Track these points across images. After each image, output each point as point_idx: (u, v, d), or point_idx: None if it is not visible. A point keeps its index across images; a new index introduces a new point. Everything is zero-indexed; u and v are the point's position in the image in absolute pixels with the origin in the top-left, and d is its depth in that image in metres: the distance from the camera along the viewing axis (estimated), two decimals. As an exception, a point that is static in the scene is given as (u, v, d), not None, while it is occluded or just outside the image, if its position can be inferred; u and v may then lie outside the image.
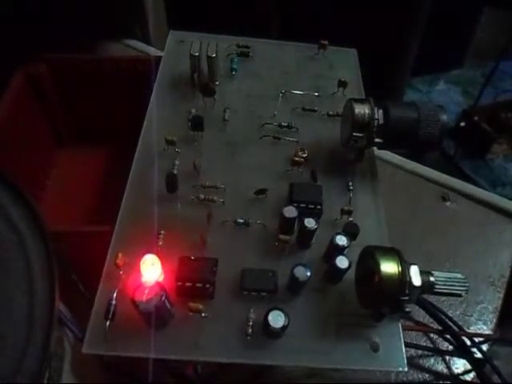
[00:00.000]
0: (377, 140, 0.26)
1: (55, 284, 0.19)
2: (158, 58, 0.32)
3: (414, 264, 0.21)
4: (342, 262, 0.22)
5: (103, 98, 0.34)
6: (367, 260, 0.21)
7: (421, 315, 0.31)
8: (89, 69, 0.34)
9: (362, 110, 0.25)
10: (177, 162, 0.26)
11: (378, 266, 0.20)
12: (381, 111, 0.26)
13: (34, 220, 0.20)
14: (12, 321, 0.17)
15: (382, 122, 0.26)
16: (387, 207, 0.27)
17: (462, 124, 1.04)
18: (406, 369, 0.21)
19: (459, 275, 0.22)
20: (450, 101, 1.09)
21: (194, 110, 0.29)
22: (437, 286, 0.21)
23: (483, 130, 1.00)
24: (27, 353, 0.17)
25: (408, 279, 0.20)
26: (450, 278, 0.21)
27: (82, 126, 0.37)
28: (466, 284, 0.21)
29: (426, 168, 0.39)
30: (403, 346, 0.22)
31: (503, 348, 0.31)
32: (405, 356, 0.21)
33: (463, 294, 0.21)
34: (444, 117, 0.25)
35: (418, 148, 0.26)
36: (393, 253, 0.21)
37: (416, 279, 0.20)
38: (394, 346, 0.22)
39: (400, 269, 0.20)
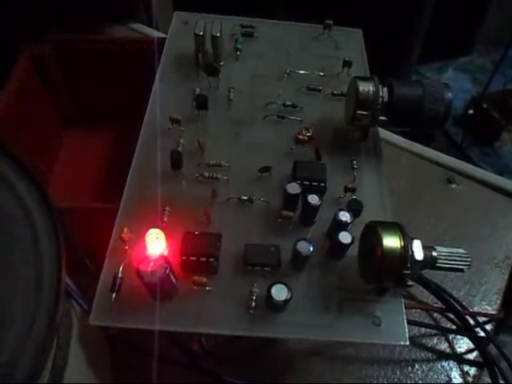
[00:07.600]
0: (381, 118, 0.26)
1: (62, 256, 0.19)
2: (163, 40, 0.32)
3: (417, 238, 0.21)
4: (344, 237, 0.22)
5: (108, 78, 0.34)
6: (370, 235, 0.21)
7: (424, 296, 0.31)
8: (94, 50, 0.34)
9: (366, 87, 0.25)
10: (181, 141, 0.26)
11: (380, 239, 0.20)
12: (385, 89, 0.26)
13: (40, 194, 0.20)
14: (20, 291, 0.18)
15: (386, 99, 0.25)
16: (392, 189, 0.27)
17: (471, 111, 1.03)
18: (408, 343, 0.21)
19: (461, 250, 0.22)
20: (459, 88, 1.08)
21: (198, 90, 0.29)
22: (439, 261, 0.21)
23: (492, 118, 0.99)
24: (35, 322, 0.17)
25: (410, 253, 0.20)
26: (452, 252, 0.21)
27: (88, 107, 0.37)
28: (469, 259, 0.21)
29: (431, 150, 0.39)
30: (405, 321, 0.22)
31: (510, 336, 0.31)
32: (407, 330, 0.21)
33: (465, 269, 0.21)
34: (449, 94, 0.25)
35: (422, 126, 0.26)
36: (395, 227, 0.21)
37: (418, 253, 0.20)
38: (396, 321, 0.22)
39: (402, 243, 0.20)
